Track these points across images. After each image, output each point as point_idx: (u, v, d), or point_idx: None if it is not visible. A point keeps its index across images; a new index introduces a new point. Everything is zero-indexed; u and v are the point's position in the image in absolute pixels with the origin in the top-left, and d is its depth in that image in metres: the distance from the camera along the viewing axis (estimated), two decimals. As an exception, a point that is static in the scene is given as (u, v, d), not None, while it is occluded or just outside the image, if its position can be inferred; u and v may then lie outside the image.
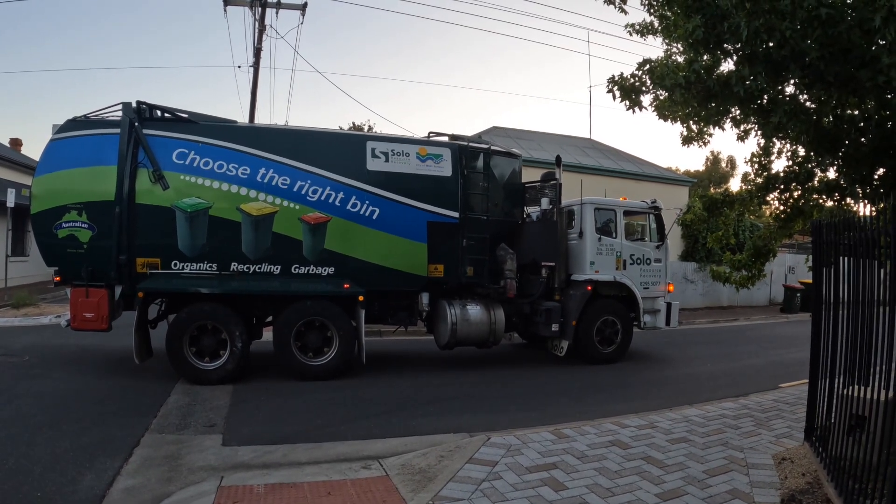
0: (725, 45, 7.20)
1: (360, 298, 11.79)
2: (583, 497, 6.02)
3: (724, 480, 6.51)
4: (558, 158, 13.97)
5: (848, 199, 9.14)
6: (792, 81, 7.36)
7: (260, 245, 11.50)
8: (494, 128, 32.82)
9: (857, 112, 8.12)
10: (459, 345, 13.25)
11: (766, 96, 7.79)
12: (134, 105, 11.20)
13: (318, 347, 11.75)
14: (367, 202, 11.88)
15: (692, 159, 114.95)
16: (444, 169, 12.60)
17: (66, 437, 7.77)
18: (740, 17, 6.37)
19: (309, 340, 11.69)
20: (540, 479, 6.42)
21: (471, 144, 13.35)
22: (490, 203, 13.12)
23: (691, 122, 8.93)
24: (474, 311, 12.94)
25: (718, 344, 18.65)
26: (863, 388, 5.41)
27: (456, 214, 12.50)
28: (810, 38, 6.27)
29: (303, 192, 11.46)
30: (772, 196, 9.42)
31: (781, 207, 9.35)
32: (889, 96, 6.28)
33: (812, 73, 6.82)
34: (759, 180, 9.48)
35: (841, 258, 6.34)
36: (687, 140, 9.26)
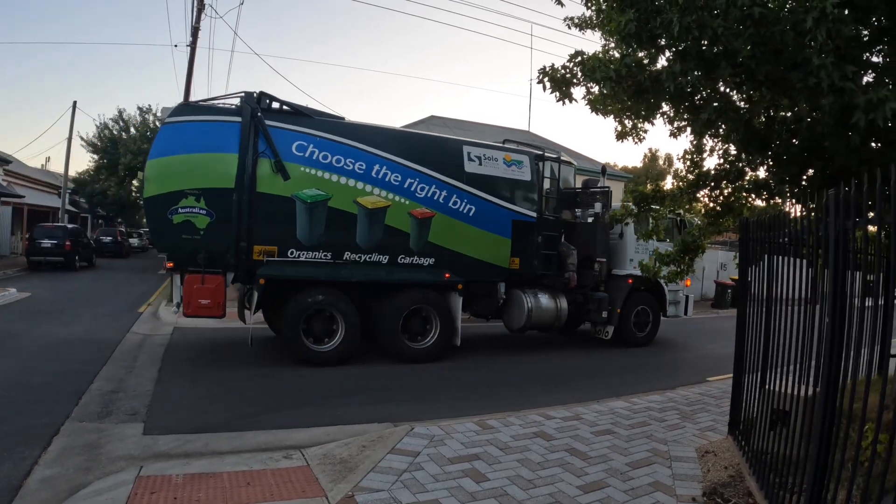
0: (659, 41, 6.61)
1: (460, 287, 12.44)
2: (504, 489, 5.59)
3: (647, 473, 6.08)
4: (604, 168, 15.27)
5: (777, 198, 9.08)
6: (723, 79, 6.73)
7: (373, 236, 11.80)
8: (433, 117, 30.98)
9: (789, 114, 7.35)
10: (531, 329, 14.00)
11: (697, 93, 7.14)
12: (256, 95, 11.26)
13: (419, 332, 12.26)
14: (465, 200, 12.57)
15: (631, 155, 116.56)
16: (525, 174, 13.33)
17: (-17, 426, 7.23)
18: (673, 12, 5.84)
19: (412, 326, 12.18)
20: (461, 470, 6.00)
21: (546, 154, 14.10)
22: (557, 205, 13.86)
23: (623, 118, 8.29)
24: (545, 299, 13.87)
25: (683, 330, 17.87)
26: (786, 383, 5.44)
27: (534, 214, 13.29)
28: (742, 37, 5.74)
29: (412, 188, 12.04)
30: (702, 193, 8.71)
31: (711, 204, 8.64)
32: (820, 99, 6.35)
33: (743, 71, 6.25)
34: (691, 177, 8.75)
35: (767, 255, 5.84)
36: (621, 135, 8.61)
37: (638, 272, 14.30)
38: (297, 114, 11.65)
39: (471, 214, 12.63)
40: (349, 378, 10.50)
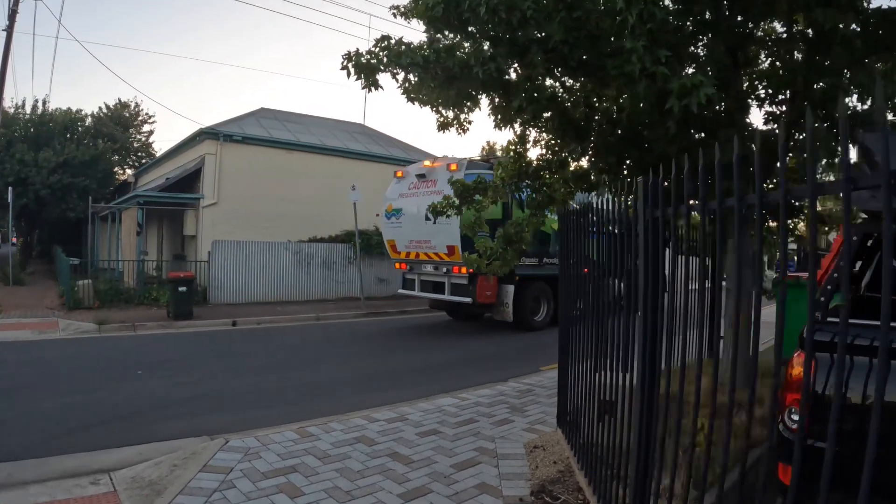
0: (469, 26, 5.82)
1: None
2: (320, 503, 4.60)
3: (473, 474, 5.23)
4: None
5: (598, 188, 7.50)
6: (534, 66, 6.01)
7: (555, 247, 15.07)
8: (263, 109, 28.78)
9: (610, 104, 6.85)
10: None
11: (508, 80, 6.38)
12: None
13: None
14: None
15: (472, 148, 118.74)
16: None
17: None
18: None
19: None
20: (276, 485, 4.89)
21: None
22: None
23: (440, 107, 7.50)
24: None
25: (480, 327, 16.56)
26: (610, 372, 5.38)
27: None
28: (554, 21, 5.13)
29: None
30: (525, 183, 8.26)
31: (534, 195, 8.19)
32: (636, 85, 6.19)
33: (556, 58, 5.53)
34: (513, 167, 8.24)
35: (585, 243, 5.43)
36: (443, 126, 7.86)
37: None
38: None
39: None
40: (165, 390, 8.77)
